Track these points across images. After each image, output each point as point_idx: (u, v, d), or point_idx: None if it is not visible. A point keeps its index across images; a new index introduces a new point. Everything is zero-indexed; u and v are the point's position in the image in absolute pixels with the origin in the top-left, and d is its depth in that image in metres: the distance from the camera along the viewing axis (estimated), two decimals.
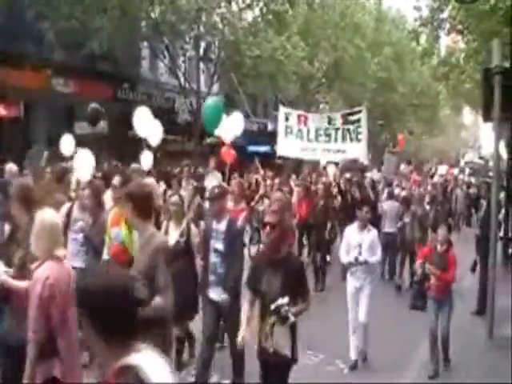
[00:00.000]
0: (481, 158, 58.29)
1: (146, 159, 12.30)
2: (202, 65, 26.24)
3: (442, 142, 58.23)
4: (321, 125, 15.70)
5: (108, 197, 7.68)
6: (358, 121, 15.18)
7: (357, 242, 7.68)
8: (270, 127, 32.97)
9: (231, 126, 13.46)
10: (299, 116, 15.95)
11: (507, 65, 15.03)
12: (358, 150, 15.27)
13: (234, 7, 23.86)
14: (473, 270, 11.21)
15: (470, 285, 11.02)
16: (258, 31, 24.31)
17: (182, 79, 25.10)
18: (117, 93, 23.17)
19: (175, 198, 7.17)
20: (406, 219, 12.76)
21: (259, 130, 33.05)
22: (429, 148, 56.77)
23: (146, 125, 12.18)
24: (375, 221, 12.24)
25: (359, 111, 15.55)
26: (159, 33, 22.75)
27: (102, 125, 20.05)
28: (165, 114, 19.34)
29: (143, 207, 4.70)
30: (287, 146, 15.89)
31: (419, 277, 7.59)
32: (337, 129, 15.39)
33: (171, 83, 25.98)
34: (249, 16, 25.02)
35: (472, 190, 24.95)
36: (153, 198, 4.98)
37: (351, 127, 15.19)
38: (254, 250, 13.16)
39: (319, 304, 8.61)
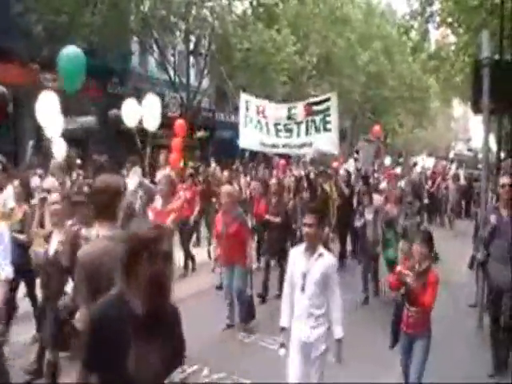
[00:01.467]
0: (470, 149, 58.51)
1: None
2: (191, 59, 26.14)
3: (433, 134, 58.36)
4: (280, 119, 13.60)
5: None
6: (327, 109, 13.16)
7: (301, 272, 5.27)
8: None
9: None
10: (258, 106, 14.02)
11: (497, 57, 15.21)
12: (327, 141, 13.28)
13: (224, 0, 23.76)
14: (470, 267, 10.70)
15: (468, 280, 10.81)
16: (248, 24, 24.23)
17: (171, 73, 25.01)
18: (106, 87, 23.04)
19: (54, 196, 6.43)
20: (368, 216, 10.80)
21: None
22: (419, 140, 56.87)
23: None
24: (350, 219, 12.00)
25: (327, 99, 13.46)
26: (149, 27, 22.62)
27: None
28: None
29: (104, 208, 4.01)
30: (248, 138, 14.10)
31: (394, 312, 5.86)
32: (299, 123, 13.34)
33: (161, 77, 25.89)
34: (239, 9, 24.94)
35: (462, 182, 24.10)
36: (116, 196, 4.12)
37: (317, 118, 13.26)
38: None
39: None
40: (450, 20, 21.00)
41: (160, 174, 12.02)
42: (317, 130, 13.33)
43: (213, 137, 30.12)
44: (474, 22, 18.54)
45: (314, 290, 5.15)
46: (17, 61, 18.24)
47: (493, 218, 7.05)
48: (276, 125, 13.57)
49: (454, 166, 42.89)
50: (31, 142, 13.24)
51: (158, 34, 23.40)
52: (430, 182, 23.20)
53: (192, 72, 26.47)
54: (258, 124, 13.79)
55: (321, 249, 5.32)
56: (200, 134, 22.87)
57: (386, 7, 40.34)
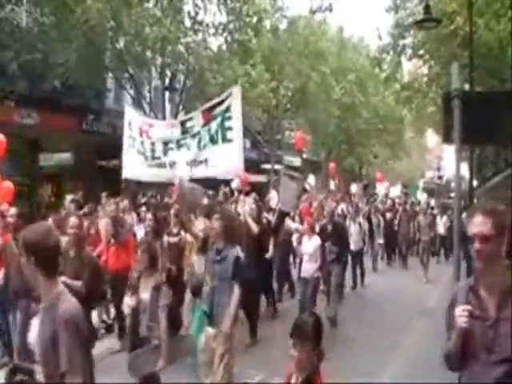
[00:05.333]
0: (440, 177, 59.15)
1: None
2: (167, 94, 26.20)
3: (407, 164, 58.93)
4: (171, 137, 10.63)
5: None
6: (227, 110, 9.94)
7: None
8: None
9: None
10: (141, 126, 11.15)
11: (468, 87, 15.49)
12: (224, 158, 9.87)
13: (199, 35, 23.95)
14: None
15: None
16: (223, 59, 24.41)
17: (147, 109, 25.01)
18: (82, 124, 22.94)
19: None
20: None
21: None
22: (394, 171, 57.38)
23: None
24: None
25: (229, 95, 10.18)
26: (124, 63, 22.67)
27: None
28: None
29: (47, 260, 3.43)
30: (131, 164, 11.09)
31: None
32: (194, 135, 10.25)
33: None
34: (214, 45, 25.15)
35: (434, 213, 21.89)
36: (58, 248, 3.53)
37: (213, 124, 10.01)
38: None
39: None
40: (421, 52, 21.40)
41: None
42: (213, 140, 10.06)
43: None
44: (444, 53, 18.92)
45: None
46: None
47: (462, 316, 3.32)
48: (166, 143, 10.64)
49: (424, 196, 42.99)
50: None
51: (134, 70, 23.46)
52: (388, 215, 20.74)
53: (168, 107, 26.49)
54: (141, 146, 10.96)
55: None
56: None
57: (359, 41, 40.96)
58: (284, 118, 34.55)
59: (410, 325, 11.29)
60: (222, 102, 10.10)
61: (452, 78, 9.14)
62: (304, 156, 39.46)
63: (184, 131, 10.35)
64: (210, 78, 23.39)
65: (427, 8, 14.15)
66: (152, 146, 10.75)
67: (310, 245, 10.57)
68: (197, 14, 23.55)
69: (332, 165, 26.76)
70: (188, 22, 23.68)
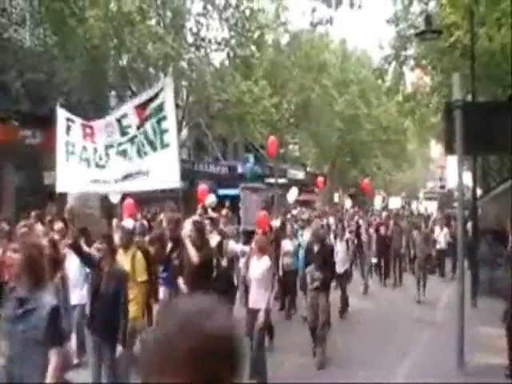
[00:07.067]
0: (442, 187, 58.96)
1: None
2: None
3: (411, 175, 58.95)
4: (112, 140, 9.19)
5: None
6: (160, 108, 8.76)
7: None
8: (240, 170, 33.06)
9: None
10: (84, 126, 9.66)
11: (470, 98, 15.50)
12: (166, 164, 8.61)
13: (202, 51, 24.10)
14: None
15: None
16: (225, 75, 24.52)
17: None
18: None
19: None
20: None
21: (229, 173, 33.12)
22: (398, 183, 57.42)
23: None
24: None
25: (161, 90, 8.99)
26: (127, 80, 22.80)
27: None
28: None
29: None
30: (68, 176, 9.59)
31: None
32: (132, 139, 8.94)
33: None
34: (216, 60, 25.30)
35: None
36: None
37: (148, 125, 8.78)
38: None
39: None
40: (423, 62, 21.46)
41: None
42: (152, 145, 8.79)
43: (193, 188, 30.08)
44: (446, 64, 18.95)
45: None
46: None
47: None
48: (108, 148, 9.23)
49: (423, 206, 42.44)
50: None
51: (136, 87, 23.58)
52: (382, 229, 19.10)
53: None
54: (83, 152, 9.45)
55: None
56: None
57: (361, 53, 41.08)
58: (287, 132, 34.63)
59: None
60: (155, 97, 8.89)
61: (453, 88, 9.21)
62: (308, 169, 39.53)
63: (122, 132, 9.06)
64: (212, 93, 23.49)
65: (428, 19, 14.19)
66: (95, 151, 9.34)
67: (257, 268, 8.48)
68: (199, 30, 23.72)
69: (320, 179, 26.82)
70: (190, 38, 23.85)
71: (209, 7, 23.80)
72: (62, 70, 19.23)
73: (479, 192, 18.89)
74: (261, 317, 8.12)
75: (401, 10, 21.43)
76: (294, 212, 20.95)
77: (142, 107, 8.87)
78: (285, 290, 13.36)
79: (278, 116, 28.62)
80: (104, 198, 12.13)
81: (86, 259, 7.27)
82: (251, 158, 37.20)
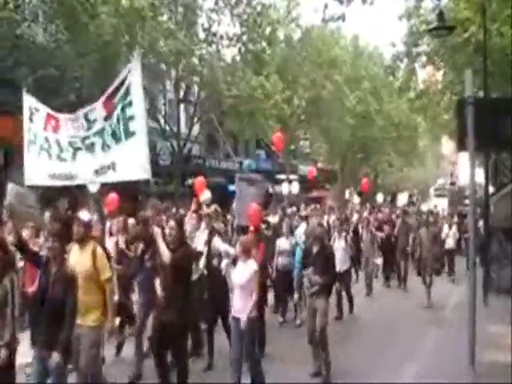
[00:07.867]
0: (452, 183, 58.62)
1: None
2: (181, 107, 26.35)
3: (423, 172, 58.65)
4: (77, 134, 8.63)
5: None
6: (126, 94, 8.07)
7: None
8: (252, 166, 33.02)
9: None
10: (49, 116, 9.12)
11: (482, 94, 15.41)
12: (133, 154, 7.99)
13: (213, 47, 24.13)
14: None
15: None
16: (237, 71, 24.52)
17: (162, 122, 25.15)
18: None
19: None
20: None
21: (240, 168, 33.10)
22: (409, 179, 57.14)
23: None
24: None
25: (128, 73, 8.20)
26: None
27: None
28: None
29: None
30: (33, 168, 9.06)
31: None
32: (99, 132, 8.35)
33: (152, 126, 26.01)
34: (227, 56, 25.30)
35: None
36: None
37: (114, 115, 8.20)
38: None
39: None
40: (435, 59, 21.36)
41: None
42: (115, 137, 8.14)
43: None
44: (458, 60, 18.86)
45: None
46: (8, 114, 18.29)
47: None
48: (72, 143, 8.66)
49: (434, 203, 41.95)
50: None
51: (148, 83, 23.61)
52: (386, 228, 18.46)
53: (182, 120, 26.62)
54: (45, 143, 8.91)
55: None
56: (191, 181, 22.65)
57: (373, 49, 40.87)
58: (298, 128, 34.57)
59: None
60: (122, 83, 8.08)
61: (465, 85, 9.15)
62: (319, 165, 39.44)
63: (89, 126, 8.44)
64: (224, 89, 23.50)
65: (440, 15, 14.09)
66: (57, 143, 8.73)
67: (242, 273, 7.72)
68: (210, 25, 23.73)
69: (311, 170, 26.22)
70: (202, 34, 23.87)
71: (220, 3, 23.81)
72: (73, 66, 19.27)
73: (491, 189, 18.79)
74: (244, 324, 7.44)
75: (413, 6, 21.31)
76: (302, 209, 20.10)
77: (110, 97, 8.26)
78: (279, 292, 12.36)
79: (289, 111, 28.58)
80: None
81: (31, 259, 6.76)
82: (263, 155, 37.21)
